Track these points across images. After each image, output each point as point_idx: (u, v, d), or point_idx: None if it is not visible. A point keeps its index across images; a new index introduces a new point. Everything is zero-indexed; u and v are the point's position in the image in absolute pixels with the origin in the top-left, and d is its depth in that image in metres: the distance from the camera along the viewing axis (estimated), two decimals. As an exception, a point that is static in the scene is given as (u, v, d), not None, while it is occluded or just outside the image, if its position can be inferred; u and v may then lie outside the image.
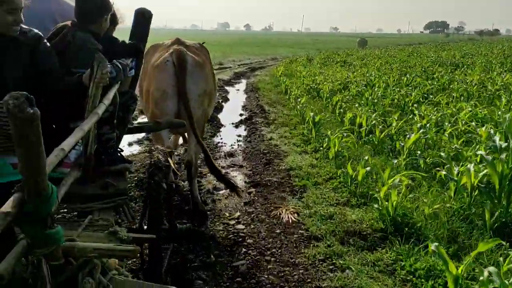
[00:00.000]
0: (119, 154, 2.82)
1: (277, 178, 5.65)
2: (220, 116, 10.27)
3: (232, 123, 9.43)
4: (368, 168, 4.74)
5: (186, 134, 4.71)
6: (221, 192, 5.33)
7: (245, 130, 8.85)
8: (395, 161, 5.50)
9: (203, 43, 5.15)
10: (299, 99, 9.94)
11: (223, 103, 12.00)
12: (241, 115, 10.46)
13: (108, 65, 2.27)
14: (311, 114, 7.55)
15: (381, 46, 46.62)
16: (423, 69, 16.54)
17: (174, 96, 3.92)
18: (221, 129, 8.91)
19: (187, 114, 3.87)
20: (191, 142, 4.29)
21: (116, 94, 2.45)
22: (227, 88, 15.35)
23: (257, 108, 10.85)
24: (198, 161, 5.03)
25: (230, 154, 6.94)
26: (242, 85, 16.31)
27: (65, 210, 2.49)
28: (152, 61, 4.17)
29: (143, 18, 3.29)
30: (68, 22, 2.74)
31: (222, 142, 7.77)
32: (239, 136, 8.32)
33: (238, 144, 7.67)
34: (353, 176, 4.99)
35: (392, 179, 4.22)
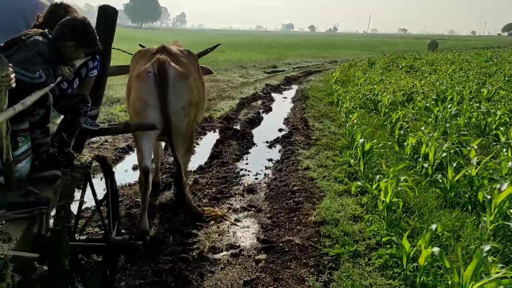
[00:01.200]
0: (63, 158, 2.55)
1: (301, 237, 4.02)
2: (255, 131, 8.76)
3: (267, 142, 7.87)
4: (436, 250, 2.99)
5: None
6: (218, 255, 3.81)
7: (279, 152, 7.27)
8: (480, 225, 3.70)
9: (217, 45, 5.30)
10: (350, 115, 8.19)
11: (263, 114, 10.47)
12: (280, 130, 8.88)
13: (40, 70, 2.28)
14: (361, 139, 5.81)
15: (453, 49, 42.75)
16: (506, 78, 14.00)
17: (156, 107, 3.79)
18: (250, 150, 7.38)
19: (167, 127, 3.80)
20: (179, 153, 4.09)
21: (47, 97, 2.39)
22: (274, 95, 13.81)
23: (300, 123, 9.21)
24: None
25: (250, 190, 5.39)
26: (291, 92, 14.68)
27: None
28: (135, 70, 4.02)
29: (105, 14, 3.13)
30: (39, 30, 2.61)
31: (245, 170, 6.24)
32: (270, 160, 6.77)
33: (265, 174, 6.11)
34: (411, 254, 3.26)
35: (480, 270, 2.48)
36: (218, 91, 13.57)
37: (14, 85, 1.95)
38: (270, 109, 11.25)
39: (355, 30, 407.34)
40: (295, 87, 16.01)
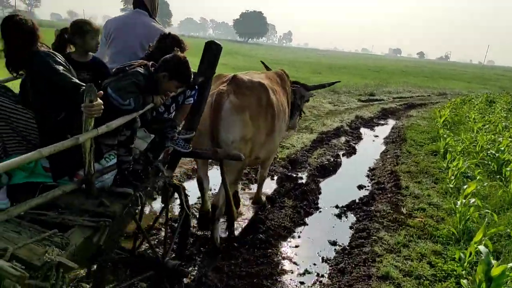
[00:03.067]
0: (144, 175, 2.83)
1: None
2: (325, 184, 6.60)
3: (336, 207, 5.66)
4: None
5: None
6: None
7: (350, 228, 5.04)
8: None
9: (337, 82, 6.42)
10: (463, 182, 5.68)
11: (343, 158, 8.21)
12: (360, 187, 6.59)
13: (131, 98, 2.56)
14: (483, 247, 3.41)
15: None
16: None
17: (207, 135, 3.83)
18: (309, 219, 5.25)
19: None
20: (221, 185, 4.03)
21: (135, 121, 2.63)
22: (363, 131, 11.41)
23: (389, 179, 6.83)
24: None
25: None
26: (385, 129, 12.14)
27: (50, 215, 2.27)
28: None
29: (210, 49, 3.32)
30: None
31: (289, 261, 4.16)
32: (333, 244, 4.60)
33: (318, 274, 3.98)
34: None
35: None
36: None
37: (99, 115, 2.20)
38: (354, 152, 8.94)
39: (468, 60, 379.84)
40: (391, 122, 13.41)
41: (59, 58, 2.56)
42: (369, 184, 6.78)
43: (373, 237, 4.60)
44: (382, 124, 13.01)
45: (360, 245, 4.47)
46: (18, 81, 2.72)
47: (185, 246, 3.51)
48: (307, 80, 19.40)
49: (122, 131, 2.65)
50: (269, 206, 5.35)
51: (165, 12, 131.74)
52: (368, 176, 7.29)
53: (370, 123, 12.71)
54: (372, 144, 9.98)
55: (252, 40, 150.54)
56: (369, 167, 7.78)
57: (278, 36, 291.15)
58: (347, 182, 6.84)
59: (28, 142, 2.57)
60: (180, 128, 3.31)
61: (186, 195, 3.27)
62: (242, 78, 4.07)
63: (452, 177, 6.51)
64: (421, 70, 53.69)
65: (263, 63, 5.85)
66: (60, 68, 2.48)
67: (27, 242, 1.92)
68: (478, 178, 6.08)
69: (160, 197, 3.54)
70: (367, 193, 6.31)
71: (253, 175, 6.55)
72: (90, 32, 2.83)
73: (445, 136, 8.85)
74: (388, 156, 8.58)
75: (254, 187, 6.16)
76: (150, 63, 2.86)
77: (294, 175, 6.65)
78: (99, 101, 2.17)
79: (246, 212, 5.25)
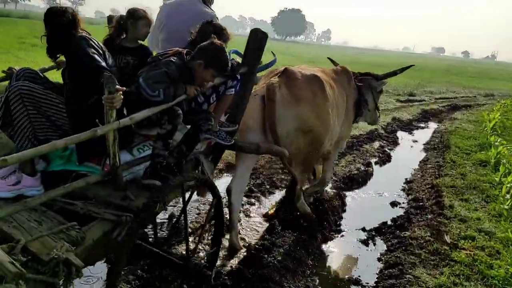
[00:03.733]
0: (177, 168, 2.70)
1: None
2: (352, 198, 5.63)
3: (363, 230, 4.69)
4: None
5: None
6: None
7: (378, 260, 4.06)
8: None
9: (410, 66, 5.58)
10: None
11: (375, 167, 7.18)
12: (393, 205, 5.57)
13: (161, 89, 2.49)
14: None
15: None
16: None
17: (257, 130, 3.71)
18: (326, 248, 4.32)
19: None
20: (292, 172, 3.99)
21: (178, 116, 2.58)
22: (400, 135, 10.26)
23: (429, 195, 5.77)
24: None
25: None
26: (426, 133, 10.92)
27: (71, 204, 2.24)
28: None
29: (255, 37, 3.23)
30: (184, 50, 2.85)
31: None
32: (356, 284, 3.63)
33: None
34: None
35: None
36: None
37: (118, 106, 2.12)
38: (388, 159, 7.86)
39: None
40: (432, 126, 12.15)
41: (93, 42, 2.57)
42: (405, 201, 5.74)
43: (407, 276, 3.61)
44: (422, 128, 11.78)
45: (389, 287, 3.49)
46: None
47: (218, 251, 3.21)
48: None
49: (164, 125, 2.58)
50: (280, 227, 4.43)
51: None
52: (404, 190, 6.23)
53: (408, 126, 11.50)
54: (410, 151, 8.84)
55: (290, 38, 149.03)
56: (406, 179, 6.71)
57: (316, 34, 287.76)
58: (378, 197, 5.83)
59: (58, 127, 2.57)
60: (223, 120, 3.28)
61: (219, 194, 2.99)
62: (293, 70, 3.91)
63: (508, 196, 5.38)
64: (465, 69, 51.00)
65: (330, 59, 5.74)
66: (91, 50, 2.50)
67: (42, 234, 1.92)
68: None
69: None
70: (401, 212, 5.29)
71: (267, 186, 5.66)
72: (143, 19, 2.93)
73: (496, 144, 7.61)
74: (429, 165, 7.46)
75: (266, 200, 5.27)
76: (185, 51, 2.79)
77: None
78: (119, 93, 2.12)
79: (251, 233, 4.37)
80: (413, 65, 6.25)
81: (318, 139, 3.86)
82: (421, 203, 5.47)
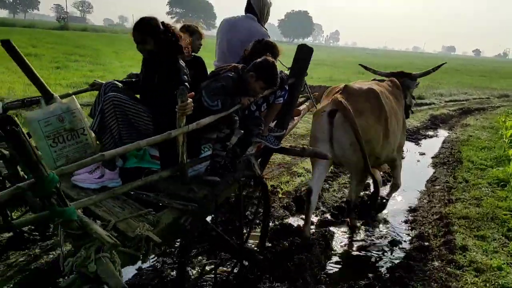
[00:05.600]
0: (232, 167, 3.11)
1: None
2: (340, 240, 4.59)
3: None
4: None
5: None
6: None
7: None
8: None
9: (443, 64, 6.05)
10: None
11: (374, 191, 6.11)
12: (392, 244, 4.52)
13: (219, 100, 2.96)
14: None
15: None
16: None
17: (325, 141, 4.10)
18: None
19: (337, 160, 4.23)
20: (351, 184, 4.56)
21: (235, 122, 2.99)
22: (406, 146, 9.16)
23: (436, 231, 4.72)
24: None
25: None
26: (434, 143, 9.82)
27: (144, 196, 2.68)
28: (319, 106, 4.39)
29: (302, 51, 3.82)
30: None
31: None
32: None
33: None
34: None
35: None
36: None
37: (190, 112, 2.55)
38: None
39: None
40: (442, 134, 11.03)
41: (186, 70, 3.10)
42: (407, 239, 4.68)
43: None
44: (431, 137, 10.67)
45: None
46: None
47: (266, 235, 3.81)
48: (347, 80, 17.24)
49: (223, 129, 2.98)
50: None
51: (209, 14, 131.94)
52: (406, 222, 5.18)
53: (415, 136, 10.41)
54: (416, 167, 7.74)
55: (298, 40, 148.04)
56: (409, 207, 5.66)
57: (324, 36, 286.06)
58: (374, 235, 4.78)
59: (138, 132, 3.01)
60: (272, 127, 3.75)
61: (267, 190, 3.56)
62: (352, 86, 4.32)
63: (535, 233, 4.31)
64: (477, 68, 49.44)
65: (362, 65, 6.00)
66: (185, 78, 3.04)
67: (126, 217, 2.38)
68: None
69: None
70: (402, 256, 4.25)
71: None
72: (196, 34, 3.56)
73: (517, 158, 6.50)
74: (437, 187, 6.39)
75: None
76: (241, 66, 3.26)
77: (296, 224, 4.67)
78: (190, 100, 2.54)
79: None
80: (446, 63, 6.77)
81: (374, 149, 4.18)
82: (426, 243, 4.41)
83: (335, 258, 4.20)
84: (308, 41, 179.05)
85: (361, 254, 4.35)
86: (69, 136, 3.06)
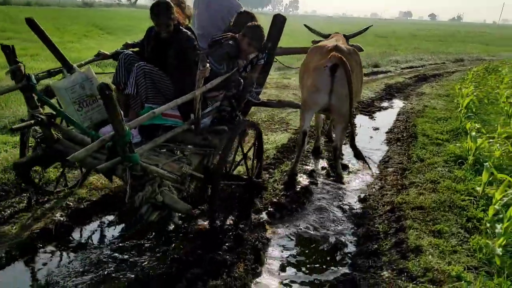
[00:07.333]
0: (234, 120, 3.75)
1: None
2: (278, 242, 3.88)
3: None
4: None
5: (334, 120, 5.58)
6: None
7: None
8: None
9: (369, 26, 7.21)
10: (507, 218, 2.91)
11: (320, 178, 5.41)
12: (336, 248, 3.83)
13: (224, 64, 3.82)
14: None
15: None
16: None
17: (325, 93, 4.73)
18: None
19: (331, 107, 4.84)
20: (337, 130, 5.21)
21: (240, 83, 3.73)
22: (358, 120, 8.56)
23: (388, 226, 4.08)
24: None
25: None
26: (389, 115, 9.24)
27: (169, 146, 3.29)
28: (313, 62, 4.95)
29: (276, 20, 4.49)
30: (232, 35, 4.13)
31: None
32: None
33: None
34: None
35: None
36: (273, 112, 8.33)
37: (207, 75, 3.17)
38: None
39: (482, 20, 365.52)
40: (398, 104, 10.48)
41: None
42: (353, 240, 4.01)
43: None
44: (385, 108, 10.08)
45: None
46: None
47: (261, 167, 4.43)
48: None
49: (231, 89, 3.65)
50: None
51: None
52: (354, 216, 4.50)
53: (369, 108, 9.78)
54: (369, 145, 7.07)
55: (257, 9, 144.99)
56: (359, 196, 4.99)
57: (284, 4, 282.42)
58: (316, 235, 4.07)
59: (161, 94, 3.67)
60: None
61: (260, 130, 4.17)
62: (341, 46, 4.91)
63: (498, 226, 3.72)
64: (433, 33, 49.66)
65: (307, 26, 6.65)
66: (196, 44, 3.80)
67: (168, 161, 2.94)
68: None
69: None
70: (347, 263, 3.57)
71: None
72: (182, 5, 4.12)
73: (473, 133, 5.90)
74: (390, 169, 5.76)
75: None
76: (236, 35, 4.07)
77: (229, 226, 3.90)
78: (208, 65, 3.10)
79: None
80: (371, 25, 7.91)
81: (358, 95, 5.09)
82: (375, 244, 3.75)
83: (268, 263, 3.46)
84: (267, 10, 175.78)
85: (297, 259, 3.63)
86: (90, 101, 3.62)
